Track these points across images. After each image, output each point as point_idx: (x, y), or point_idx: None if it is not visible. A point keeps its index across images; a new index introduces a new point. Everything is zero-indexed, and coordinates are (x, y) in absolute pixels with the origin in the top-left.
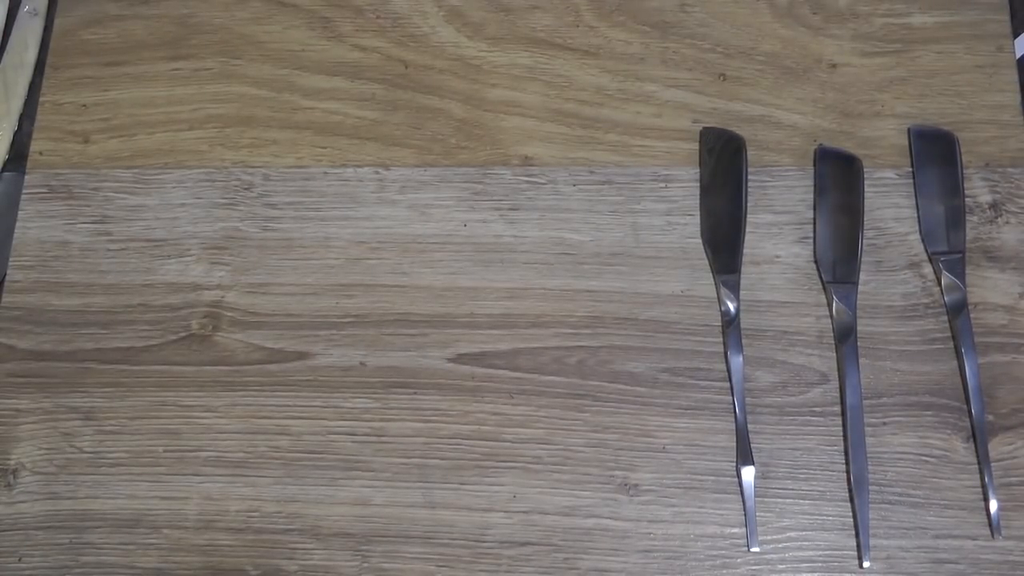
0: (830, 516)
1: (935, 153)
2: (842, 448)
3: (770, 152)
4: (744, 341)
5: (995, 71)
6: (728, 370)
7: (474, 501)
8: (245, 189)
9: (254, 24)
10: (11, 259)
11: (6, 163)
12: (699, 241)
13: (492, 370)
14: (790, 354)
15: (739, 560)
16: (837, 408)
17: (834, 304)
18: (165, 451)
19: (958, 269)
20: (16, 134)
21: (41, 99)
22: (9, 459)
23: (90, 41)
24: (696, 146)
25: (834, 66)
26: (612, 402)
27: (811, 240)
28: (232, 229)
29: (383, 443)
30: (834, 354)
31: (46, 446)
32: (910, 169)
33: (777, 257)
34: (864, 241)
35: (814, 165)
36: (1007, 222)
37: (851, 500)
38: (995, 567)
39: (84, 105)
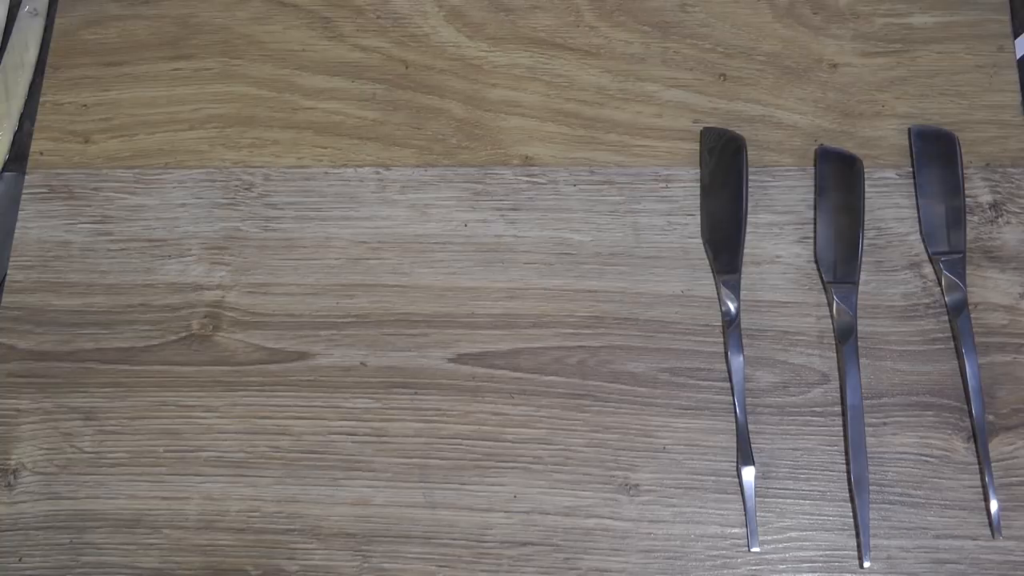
0: (831, 516)
1: (936, 153)
2: (842, 448)
3: (771, 152)
4: (745, 341)
5: (996, 71)
6: (729, 370)
7: (475, 501)
8: (246, 189)
9: (255, 24)
10: (11, 259)
11: (7, 163)
12: (700, 241)
13: (493, 370)
14: (791, 354)
15: (739, 560)
16: (837, 408)
17: (834, 304)
18: (165, 451)
19: (959, 269)
20: (16, 134)
21: (41, 99)
22: (9, 459)
23: (90, 41)
24: (696, 146)
25: (835, 66)
26: (612, 402)
27: (812, 240)
28: (233, 229)
29: (384, 443)
30: (834, 354)
31: (46, 446)
32: (911, 169)
33: (778, 257)
34: (864, 241)
35: (815, 165)
36: (1008, 222)
37: (851, 500)
38: (995, 567)
39: (84, 105)
